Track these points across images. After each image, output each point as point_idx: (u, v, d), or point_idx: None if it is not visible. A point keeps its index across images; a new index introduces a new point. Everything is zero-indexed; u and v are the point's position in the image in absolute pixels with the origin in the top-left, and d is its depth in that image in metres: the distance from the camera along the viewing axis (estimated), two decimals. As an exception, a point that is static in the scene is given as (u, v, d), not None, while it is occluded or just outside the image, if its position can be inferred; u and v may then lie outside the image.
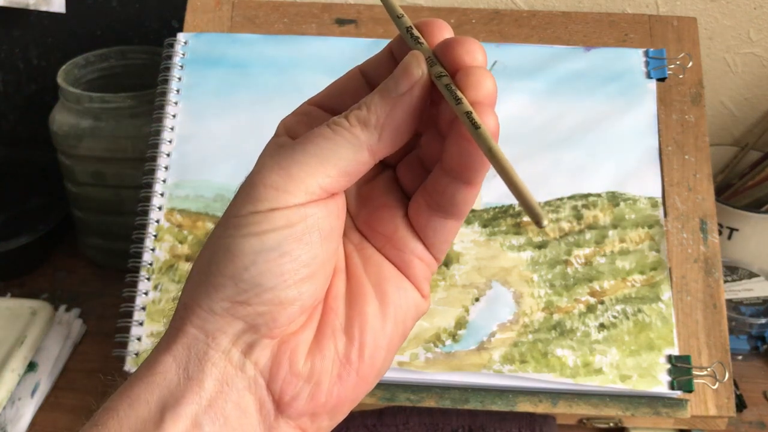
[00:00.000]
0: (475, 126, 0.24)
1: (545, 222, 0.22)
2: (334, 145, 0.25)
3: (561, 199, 0.53)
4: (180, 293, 0.26)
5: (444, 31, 0.27)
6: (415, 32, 0.27)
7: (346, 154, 0.25)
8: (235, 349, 0.24)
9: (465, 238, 0.52)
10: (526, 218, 0.52)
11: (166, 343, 0.25)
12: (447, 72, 0.25)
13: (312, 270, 0.25)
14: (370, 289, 0.27)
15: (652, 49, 0.56)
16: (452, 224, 0.28)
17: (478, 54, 0.25)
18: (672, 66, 0.56)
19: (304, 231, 0.25)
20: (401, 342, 0.28)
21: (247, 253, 0.24)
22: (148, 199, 0.53)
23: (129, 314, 0.50)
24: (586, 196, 0.53)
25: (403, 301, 0.28)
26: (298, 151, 0.25)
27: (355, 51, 0.57)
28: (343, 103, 0.27)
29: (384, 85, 0.26)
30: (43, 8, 0.71)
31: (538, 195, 0.53)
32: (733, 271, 0.63)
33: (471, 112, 0.24)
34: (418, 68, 0.25)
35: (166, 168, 0.54)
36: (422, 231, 0.28)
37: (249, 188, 0.25)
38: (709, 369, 0.48)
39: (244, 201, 0.25)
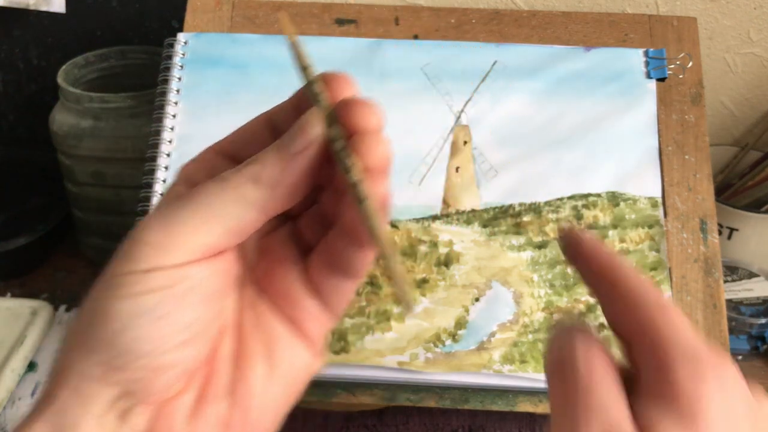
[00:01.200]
0: (360, 199, 0.23)
1: (414, 310, 0.22)
2: (220, 202, 0.24)
3: (561, 199, 0.53)
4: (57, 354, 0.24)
5: (347, 88, 0.26)
6: (317, 87, 0.26)
7: (234, 212, 0.24)
8: (110, 415, 0.23)
9: (465, 238, 0.52)
10: (526, 218, 0.52)
11: (39, 407, 0.23)
12: (343, 134, 0.24)
13: (192, 333, 0.24)
14: (260, 350, 0.26)
15: (652, 49, 0.56)
16: (350, 284, 0.27)
17: (375, 117, 0.24)
18: (672, 66, 0.56)
19: (185, 292, 0.23)
20: (291, 402, 0.27)
21: (121, 316, 0.22)
22: (148, 199, 0.53)
23: (129, 314, 0.50)
24: (586, 196, 0.53)
25: (294, 361, 0.27)
26: (181, 207, 0.24)
27: (355, 51, 0.57)
28: (248, 152, 0.26)
29: (280, 142, 0.25)
30: (43, 8, 0.71)
31: (538, 195, 0.53)
32: (733, 271, 0.63)
33: (359, 183, 0.23)
34: (314, 128, 0.24)
35: (166, 168, 0.54)
36: (319, 289, 0.27)
37: (129, 245, 0.23)
38: (709, 369, 0.48)
39: (123, 259, 0.23)
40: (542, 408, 0.49)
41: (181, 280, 0.23)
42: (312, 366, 0.28)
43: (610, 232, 0.52)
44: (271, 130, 0.27)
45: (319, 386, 0.49)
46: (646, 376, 0.23)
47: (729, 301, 0.59)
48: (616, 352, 0.25)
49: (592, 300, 0.50)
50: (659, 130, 0.54)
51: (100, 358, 0.23)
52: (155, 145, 0.54)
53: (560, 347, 0.24)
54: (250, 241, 0.27)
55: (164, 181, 0.54)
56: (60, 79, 0.64)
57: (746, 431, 0.23)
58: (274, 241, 0.28)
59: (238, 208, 0.24)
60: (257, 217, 0.24)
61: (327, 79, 0.26)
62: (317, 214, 0.27)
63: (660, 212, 0.52)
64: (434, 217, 0.53)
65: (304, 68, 0.27)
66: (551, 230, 0.52)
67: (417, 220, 0.53)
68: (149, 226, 0.23)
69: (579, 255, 0.27)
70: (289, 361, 0.27)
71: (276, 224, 0.28)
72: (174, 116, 0.55)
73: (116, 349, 0.23)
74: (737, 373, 0.24)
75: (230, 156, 0.27)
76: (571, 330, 0.24)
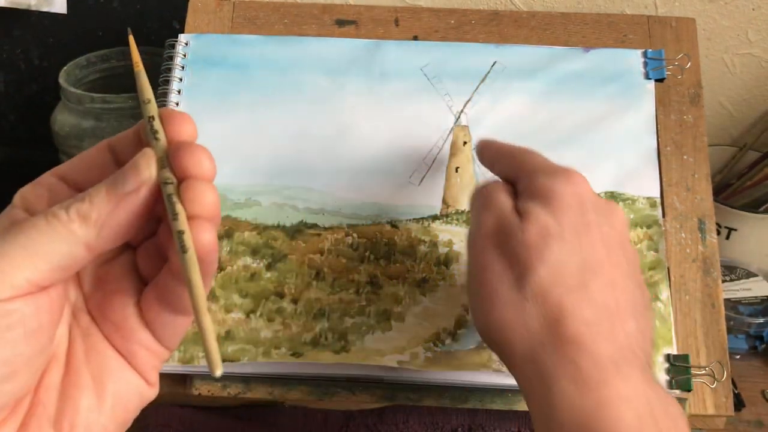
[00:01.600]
0: (182, 249, 0.23)
1: (218, 373, 0.22)
2: (46, 238, 0.23)
3: (560, 199, 0.53)
4: None
5: (184, 128, 0.25)
6: (156, 124, 0.25)
7: (60, 249, 0.24)
8: None
9: (465, 238, 0.52)
10: (525, 218, 0.53)
11: None
12: (174, 179, 0.24)
13: (13, 369, 0.23)
14: (89, 380, 0.26)
15: (650, 50, 0.56)
16: (182, 320, 0.27)
17: (205, 165, 0.24)
18: (671, 67, 0.56)
19: (7, 328, 0.23)
20: (122, 430, 0.27)
21: None
22: (149, 199, 0.53)
23: (130, 314, 0.50)
24: (585, 196, 0.53)
25: (125, 392, 0.27)
26: (8, 241, 0.23)
27: (355, 52, 0.57)
28: (88, 178, 0.26)
29: (112, 180, 0.24)
30: (45, 9, 0.71)
31: (538, 195, 0.53)
32: (732, 271, 0.63)
33: (183, 233, 0.23)
34: (147, 169, 0.24)
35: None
36: (151, 323, 0.27)
37: None
38: (707, 368, 0.49)
39: None
40: (541, 407, 0.49)
41: (3, 315, 0.23)
42: (145, 395, 0.28)
43: (609, 232, 0.52)
44: (112, 158, 0.27)
45: (319, 386, 0.49)
46: (523, 187, 0.38)
47: (727, 301, 0.59)
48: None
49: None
50: (658, 131, 0.55)
51: None
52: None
53: (480, 188, 0.40)
54: (87, 269, 0.27)
55: (165, 181, 0.54)
56: (61, 80, 0.64)
57: (589, 209, 0.36)
58: (112, 270, 0.27)
59: (65, 246, 0.24)
60: (85, 255, 0.24)
61: (166, 116, 0.25)
62: (155, 246, 0.27)
63: (658, 212, 0.52)
64: (434, 217, 0.53)
65: (144, 101, 0.26)
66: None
67: (417, 220, 0.53)
68: None
69: (488, 149, 0.44)
70: (120, 392, 0.26)
71: (116, 253, 0.28)
72: (175, 117, 0.55)
73: None
74: (584, 179, 0.38)
75: (70, 181, 0.27)
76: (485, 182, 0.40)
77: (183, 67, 0.56)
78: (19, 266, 0.23)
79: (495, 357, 0.48)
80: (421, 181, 0.54)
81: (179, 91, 0.56)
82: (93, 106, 0.62)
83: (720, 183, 0.70)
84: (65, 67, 0.66)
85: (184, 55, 0.57)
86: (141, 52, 0.77)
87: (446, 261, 0.52)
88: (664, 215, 0.52)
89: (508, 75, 0.56)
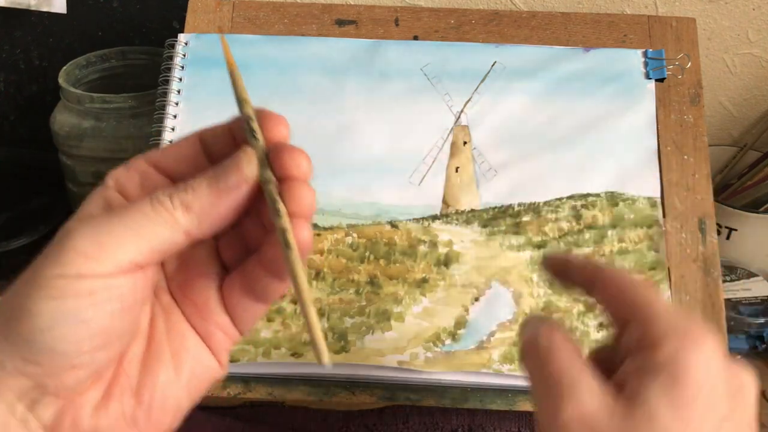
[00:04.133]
0: (287, 246, 0.25)
1: (326, 361, 0.24)
2: (151, 223, 0.25)
3: (560, 199, 0.53)
4: None
5: (281, 129, 0.27)
6: (255, 125, 0.27)
7: (162, 234, 0.25)
8: (20, 404, 0.25)
9: (465, 238, 0.52)
10: (525, 218, 0.53)
11: None
12: (274, 178, 0.26)
13: (108, 340, 0.25)
14: (168, 357, 0.28)
15: (651, 50, 0.56)
16: (260, 307, 0.29)
17: (303, 166, 0.26)
18: (671, 66, 0.56)
19: (107, 301, 0.25)
20: (191, 405, 0.29)
21: (45, 316, 0.24)
22: (149, 199, 0.53)
23: (130, 314, 0.50)
24: (586, 196, 0.53)
25: (200, 369, 0.28)
26: (114, 222, 0.25)
27: (355, 52, 0.57)
28: (179, 168, 0.28)
29: (214, 174, 0.26)
30: (45, 9, 0.71)
31: (538, 195, 0.53)
32: (732, 271, 0.63)
33: (286, 231, 0.25)
34: (248, 168, 0.26)
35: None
36: (232, 308, 0.29)
37: (59, 250, 0.25)
38: (707, 368, 0.49)
39: (52, 263, 0.24)
40: (541, 407, 0.49)
41: (105, 289, 0.24)
42: (216, 374, 0.30)
43: (609, 232, 0.52)
44: (203, 149, 0.29)
45: (319, 386, 0.49)
46: (633, 343, 0.27)
47: (728, 301, 0.59)
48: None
49: (590, 300, 0.50)
50: (658, 131, 0.55)
51: (18, 351, 0.24)
52: (156, 146, 0.54)
53: (529, 331, 0.29)
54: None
55: (165, 181, 0.54)
56: (61, 80, 0.64)
57: (722, 395, 0.26)
58: (196, 255, 0.29)
59: (168, 232, 0.25)
60: (183, 241, 0.26)
61: (262, 117, 0.27)
62: (238, 236, 0.29)
63: (659, 212, 0.52)
64: (434, 217, 0.53)
65: (242, 101, 0.28)
66: (550, 230, 0.52)
67: (417, 220, 0.53)
68: (81, 234, 0.25)
69: (568, 270, 0.32)
70: (195, 369, 0.28)
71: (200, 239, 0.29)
72: (175, 116, 0.55)
73: (36, 346, 0.24)
74: (717, 343, 0.26)
75: (161, 168, 0.28)
76: (537, 319, 0.29)
77: (183, 67, 0.56)
78: (124, 246, 0.25)
79: (495, 357, 0.48)
80: (421, 181, 0.54)
81: (179, 91, 0.56)
82: (93, 106, 0.62)
83: (720, 183, 0.70)
84: (65, 67, 0.66)
85: (184, 55, 0.57)
86: (141, 53, 0.77)
87: (446, 261, 0.52)
88: (664, 215, 0.52)
89: (508, 75, 0.56)
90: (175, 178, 0.28)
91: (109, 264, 0.24)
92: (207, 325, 0.29)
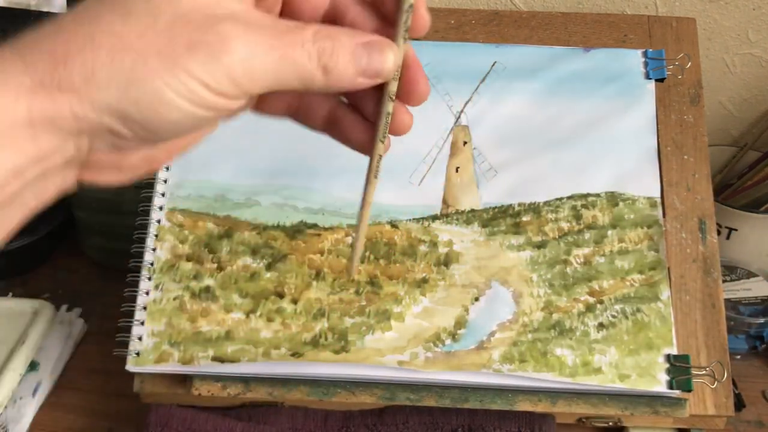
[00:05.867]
0: (375, 175, 0.32)
1: (353, 276, 0.25)
2: (290, 73, 0.25)
3: (560, 199, 0.53)
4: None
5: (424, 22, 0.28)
6: (410, 20, 0.27)
7: (292, 83, 0.26)
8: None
9: (465, 238, 0.52)
10: (525, 218, 0.53)
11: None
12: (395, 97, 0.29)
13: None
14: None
15: (651, 50, 0.56)
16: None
17: (427, 91, 0.30)
18: (671, 66, 0.56)
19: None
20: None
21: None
22: (149, 199, 0.53)
23: (130, 314, 0.50)
24: (586, 196, 0.53)
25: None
26: (269, 55, 0.25)
27: (355, 52, 0.57)
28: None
29: (358, 51, 0.26)
30: (45, 8, 0.71)
31: (538, 195, 0.53)
32: (732, 271, 0.63)
33: (385, 124, 0.30)
34: (390, 68, 0.27)
35: (167, 168, 0.54)
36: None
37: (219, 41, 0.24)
38: (707, 368, 0.49)
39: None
40: (541, 407, 0.49)
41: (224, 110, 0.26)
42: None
43: (609, 232, 0.52)
44: None
45: (319, 386, 0.49)
46: None
47: (728, 301, 0.59)
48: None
49: (591, 300, 0.50)
50: (658, 131, 0.55)
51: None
52: (156, 146, 0.54)
53: None
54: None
55: (165, 181, 0.54)
56: (61, 80, 0.64)
57: None
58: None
59: (298, 84, 0.26)
60: (303, 91, 0.28)
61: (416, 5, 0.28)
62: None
63: (659, 212, 0.52)
64: (434, 217, 0.53)
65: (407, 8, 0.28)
66: (550, 230, 0.52)
67: (417, 220, 0.53)
68: (238, 38, 0.24)
69: None
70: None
71: None
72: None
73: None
74: None
75: None
76: None
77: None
78: (263, 85, 0.25)
79: (495, 357, 0.48)
80: (421, 181, 0.54)
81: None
82: (93, 106, 0.62)
83: (720, 183, 0.70)
84: (65, 67, 0.66)
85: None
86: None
87: (446, 261, 0.52)
88: (664, 215, 0.52)
89: (508, 75, 0.56)
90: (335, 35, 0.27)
91: (243, 96, 0.25)
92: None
